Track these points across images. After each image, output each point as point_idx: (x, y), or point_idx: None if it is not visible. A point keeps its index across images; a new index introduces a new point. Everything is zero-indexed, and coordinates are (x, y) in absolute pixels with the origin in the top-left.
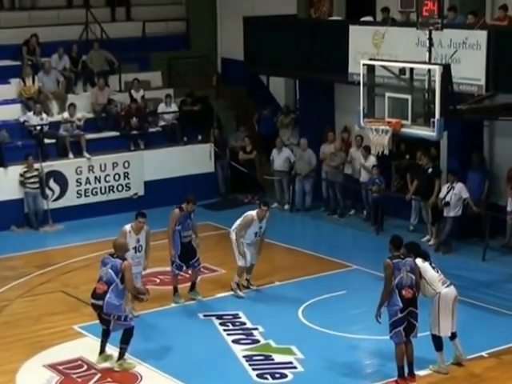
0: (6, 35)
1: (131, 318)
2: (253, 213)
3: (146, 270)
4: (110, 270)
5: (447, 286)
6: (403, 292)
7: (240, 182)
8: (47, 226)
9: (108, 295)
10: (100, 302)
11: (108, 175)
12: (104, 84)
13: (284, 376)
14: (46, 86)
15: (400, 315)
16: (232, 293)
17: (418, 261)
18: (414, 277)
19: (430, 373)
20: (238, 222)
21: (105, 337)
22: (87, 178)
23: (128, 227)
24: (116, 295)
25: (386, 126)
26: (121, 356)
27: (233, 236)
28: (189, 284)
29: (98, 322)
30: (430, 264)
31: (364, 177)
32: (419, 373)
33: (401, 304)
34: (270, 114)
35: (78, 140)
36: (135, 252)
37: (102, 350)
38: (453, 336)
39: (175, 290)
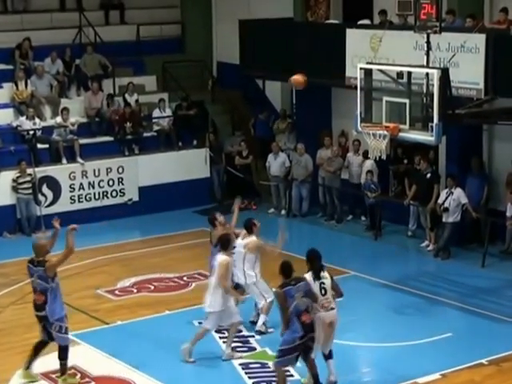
0: None
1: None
2: (255, 238)
3: None
4: (38, 281)
5: (327, 311)
6: (303, 318)
7: (236, 188)
8: (40, 232)
9: (48, 304)
10: (43, 313)
11: (102, 181)
12: (98, 88)
13: None
14: (38, 91)
15: (298, 342)
16: None
17: (308, 275)
18: (309, 301)
19: (430, 381)
20: (249, 263)
21: (36, 352)
22: (81, 184)
23: (227, 258)
24: (54, 299)
25: (383, 131)
26: (63, 371)
27: (256, 280)
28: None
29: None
30: (321, 284)
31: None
32: (418, 380)
33: (302, 332)
34: (266, 119)
35: (72, 145)
36: None
37: (28, 366)
38: (328, 356)
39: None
